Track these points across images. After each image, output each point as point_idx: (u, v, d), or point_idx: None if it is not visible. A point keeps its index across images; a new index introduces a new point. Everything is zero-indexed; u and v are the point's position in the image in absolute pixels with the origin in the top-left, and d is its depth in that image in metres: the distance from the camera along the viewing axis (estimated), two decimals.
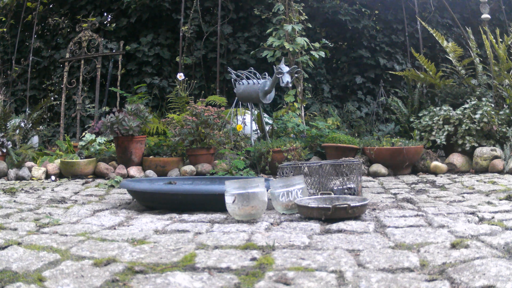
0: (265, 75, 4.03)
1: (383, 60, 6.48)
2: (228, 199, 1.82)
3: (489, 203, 2.07)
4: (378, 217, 1.79)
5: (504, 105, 4.07)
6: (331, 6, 6.52)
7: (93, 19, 5.70)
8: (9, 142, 3.85)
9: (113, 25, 6.25)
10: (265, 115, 4.84)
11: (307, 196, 2.06)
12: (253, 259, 1.24)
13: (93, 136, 3.96)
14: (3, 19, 6.62)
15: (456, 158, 3.59)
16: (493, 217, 1.71)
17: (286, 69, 3.72)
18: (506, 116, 3.80)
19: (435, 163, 3.56)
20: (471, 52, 4.54)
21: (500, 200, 2.15)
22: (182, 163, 3.78)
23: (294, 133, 4.18)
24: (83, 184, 3.26)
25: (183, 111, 4.56)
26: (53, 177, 3.56)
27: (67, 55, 5.46)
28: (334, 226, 1.63)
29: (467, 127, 3.62)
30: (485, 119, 3.60)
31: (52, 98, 6.39)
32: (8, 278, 1.09)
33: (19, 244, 1.41)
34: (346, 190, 2.25)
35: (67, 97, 5.58)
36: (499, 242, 1.32)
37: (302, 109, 4.65)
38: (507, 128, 3.69)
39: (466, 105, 3.78)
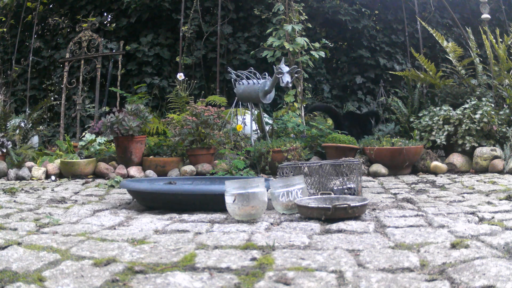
0: (265, 75, 4.03)
1: (383, 60, 6.48)
2: (228, 199, 1.82)
3: (489, 203, 2.07)
4: (378, 217, 1.79)
5: (504, 105, 4.06)
6: (331, 6, 6.52)
7: (93, 19, 5.70)
8: (9, 142, 3.85)
9: (113, 25, 6.26)
10: (265, 115, 4.84)
11: (307, 196, 2.05)
12: (253, 259, 1.24)
13: (93, 136, 3.96)
14: (3, 19, 6.62)
15: (456, 158, 3.59)
16: (493, 217, 1.71)
17: (286, 69, 3.72)
18: (506, 116, 3.80)
19: (435, 163, 3.56)
20: (471, 52, 4.53)
21: (500, 200, 2.15)
22: (182, 163, 3.78)
23: (294, 133, 4.17)
24: (83, 184, 3.26)
25: (183, 111, 4.56)
26: (53, 177, 3.56)
27: (67, 55, 5.46)
28: (334, 226, 1.63)
29: (467, 127, 3.62)
30: (485, 119, 3.60)
31: (52, 98, 6.39)
32: (8, 278, 1.09)
33: (19, 244, 1.41)
34: (346, 190, 2.25)
35: (67, 97, 5.58)
36: (499, 242, 1.32)
37: (302, 109, 4.65)
38: (507, 128, 3.69)
39: (466, 105, 3.78)
